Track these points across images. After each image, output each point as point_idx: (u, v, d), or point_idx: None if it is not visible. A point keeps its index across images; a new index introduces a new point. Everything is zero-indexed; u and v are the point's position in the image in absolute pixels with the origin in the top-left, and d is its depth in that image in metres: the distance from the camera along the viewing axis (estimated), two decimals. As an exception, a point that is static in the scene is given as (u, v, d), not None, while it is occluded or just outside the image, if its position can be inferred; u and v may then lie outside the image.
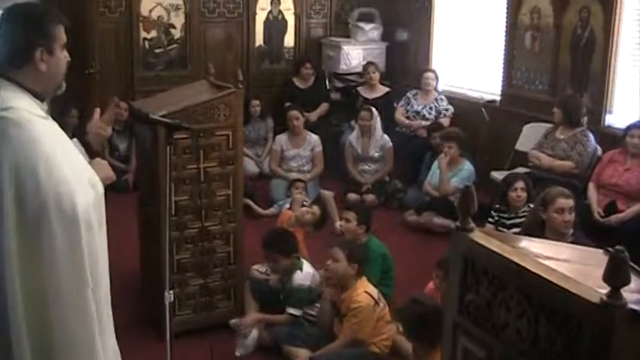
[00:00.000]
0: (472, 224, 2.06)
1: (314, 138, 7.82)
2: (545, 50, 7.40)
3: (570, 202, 4.66)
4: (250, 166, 8.08)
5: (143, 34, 8.69)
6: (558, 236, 4.65)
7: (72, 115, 7.54)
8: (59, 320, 2.55)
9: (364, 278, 4.57)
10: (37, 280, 2.50)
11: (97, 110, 3.04)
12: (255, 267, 5.32)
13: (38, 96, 2.64)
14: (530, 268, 1.86)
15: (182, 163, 4.51)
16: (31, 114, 2.53)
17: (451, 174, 6.99)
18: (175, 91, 5.14)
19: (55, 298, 2.53)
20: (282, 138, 7.85)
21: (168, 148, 3.23)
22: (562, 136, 6.59)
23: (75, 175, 2.56)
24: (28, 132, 2.48)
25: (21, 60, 2.60)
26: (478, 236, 2.03)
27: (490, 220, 5.90)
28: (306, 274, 4.86)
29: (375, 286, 4.70)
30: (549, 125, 6.88)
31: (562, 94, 7.01)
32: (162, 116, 3.93)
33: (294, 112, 7.79)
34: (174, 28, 8.84)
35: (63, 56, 2.70)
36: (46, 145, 2.51)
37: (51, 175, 2.48)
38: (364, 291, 4.47)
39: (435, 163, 7.22)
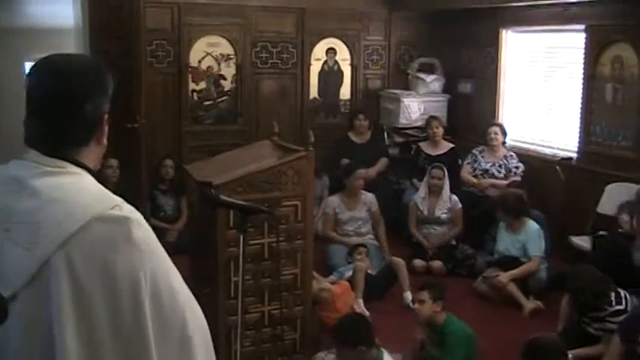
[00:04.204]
0: None
1: (369, 197, 7.16)
2: (629, 104, 6.77)
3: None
4: (305, 228, 7.45)
5: (192, 85, 8.28)
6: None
7: (110, 164, 7.03)
8: None
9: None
10: None
11: None
12: (321, 355, 4.67)
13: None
14: None
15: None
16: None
17: (516, 238, 6.49)
18: (234, 154, 4.63)
19: None
20: (334, 200, 7.18)
21: (242, 236, 2.63)
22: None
23: None
24: (151, 233, 1.86)
25: (90, 134, 1.90)
26: None
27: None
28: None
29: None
30: (633, 185, 6.21)
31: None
32: (224, 184, 3.39)
33: (362, 172, 7.17)
34: (225, 79, 8.42)
35: None
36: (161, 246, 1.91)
37: (181, 284, 1.90)
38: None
39: (501, 225, 6.69)
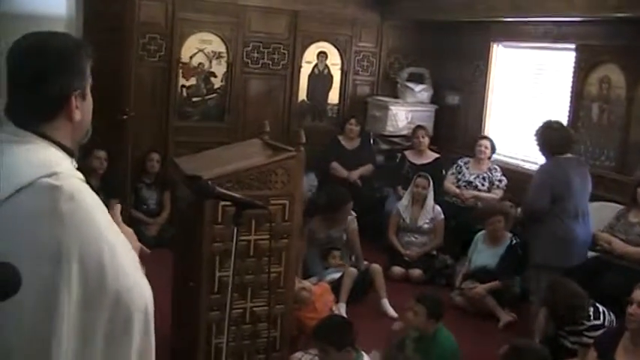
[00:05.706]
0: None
1: (349, 218, 6.85)
2: (614, 124, 6.83)
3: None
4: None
5: (182, 81, 8.24)
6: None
7: (98, 156, 7.00)
8: None
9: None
10: None
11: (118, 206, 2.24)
12: (297, 355, 4.66)
13: (69, 153, 1.99)
14: None
15: (229, 234, 3.91)
16: (80, 181, 1.89)
17: (496, 252, 6.54)
18: (223, 150, 4.63)
19: None
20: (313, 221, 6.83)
21: (235, 229, 2.64)
22: (636, 220, 5.95)
23: (133, 260, 1.96)
24: (85, 208, 1.85)
25: (55, 110, 1.95)
26: None
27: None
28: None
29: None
30: (616, 205, 6.25)
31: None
32: (214, 179, 3.40)
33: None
34: (215, 76, 8.39)
35: (90, 99, 2.07)
36: (104, 223, 1.88)
37: (117, 267, 1.86)
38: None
39: (478, 238, 6.73)
